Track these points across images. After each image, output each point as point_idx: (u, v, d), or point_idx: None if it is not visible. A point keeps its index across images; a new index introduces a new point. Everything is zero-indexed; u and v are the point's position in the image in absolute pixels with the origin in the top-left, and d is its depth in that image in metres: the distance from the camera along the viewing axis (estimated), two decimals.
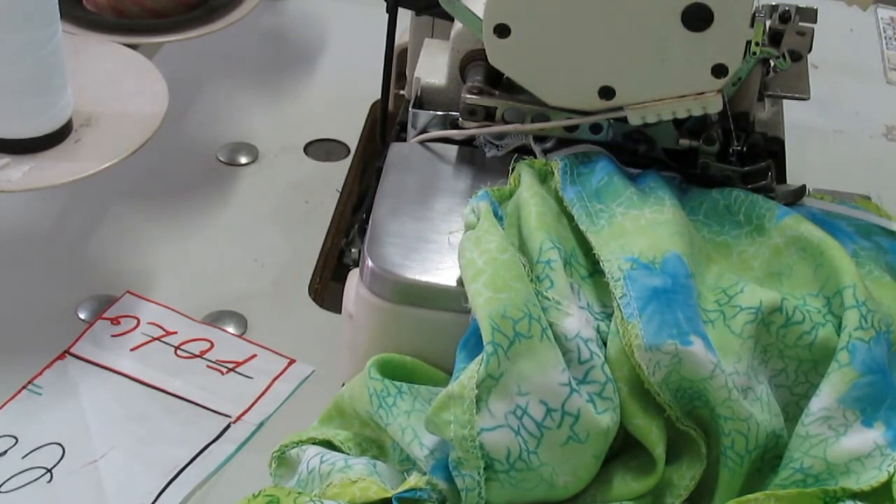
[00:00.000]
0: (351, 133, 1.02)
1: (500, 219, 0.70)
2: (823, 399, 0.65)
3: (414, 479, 0.64)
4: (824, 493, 0.63)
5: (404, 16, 0.85)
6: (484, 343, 0.63)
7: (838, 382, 0.65)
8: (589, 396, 0.64)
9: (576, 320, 0.65)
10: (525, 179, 0.72)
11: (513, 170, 0.74)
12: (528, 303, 0.64)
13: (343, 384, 0.72)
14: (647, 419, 0.65)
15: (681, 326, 0.64)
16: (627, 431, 0.66)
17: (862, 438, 0.64)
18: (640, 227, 0.69)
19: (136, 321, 0.82)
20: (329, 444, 0.69)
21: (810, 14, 0.80)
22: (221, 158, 0.98)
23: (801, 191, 0.77)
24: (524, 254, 0.68)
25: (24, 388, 0.77)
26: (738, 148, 0.77)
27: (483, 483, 0.63)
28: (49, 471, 0.72)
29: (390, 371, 0.69)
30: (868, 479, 0.64)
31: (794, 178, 0.81)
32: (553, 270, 0.66)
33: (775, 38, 0.76)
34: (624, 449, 0.68)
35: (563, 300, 0.65)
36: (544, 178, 0.73)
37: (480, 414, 0.63)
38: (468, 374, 0.63)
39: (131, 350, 0.80)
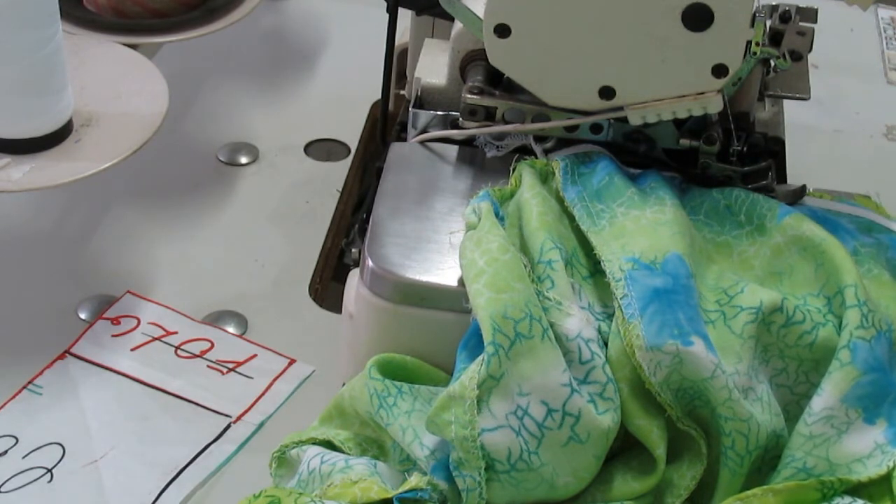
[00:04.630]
0: (351, 133, 1.02)
1: (501, 219, 0.70)
2: (826, 398, 0.65)
3: (415, 480, 0.64)
4: (821, 483, 0.63)
5: (404, 16, 0.85)
6: (485, 343, 0.63)
7: (840, 381, 0.65)
8: (590, 397, 0.64)
9: (577, 321, 0.65)
10: (526, 180, 0.72)
11: (513, 170, 0.74)
12: (530, 303, 0.64)
13: (343, 384, 0.72)
14: (647, 419, 0.65)
15: (682, 327, 0.64)
16: (628, 431, 0.66)
17: (864, 437, 0.64)
18: (641, 227, 0.69)
19: (136, 321, 0.82)
20: (329, 445, 0.69)
21: (811, 14, 0.80)
22: (221, 158, 0.98)
23: (801, 191, 0.77)
24: (525, 254, 0.68)
25: (24, 388, 0.77)
26: (739, 148, 0.77)
27: (484, 483, 0.63)
28: (49, 471, 0.72)
29: (391, 371, 0.69)
30: (868, 474, 0.64)
31: (794, 178, 0.81)
32: (554, 271, 0.66)
33: (776, 38, 0.76)
34: (624, 449, 0.68)
35: (564, 300, 0.65)
36: (545, 178, 0.73)
37: (481, 414, 0.63)
38: (469, 375, 0.63)
39: (132, 350, 0.80)
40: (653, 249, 0.68)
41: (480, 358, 0.63)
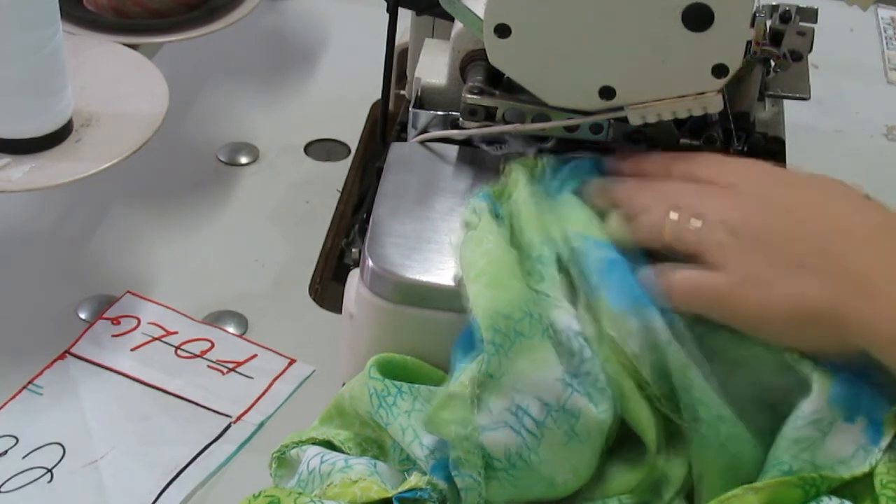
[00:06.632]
0: (351, 133, 1.02)
1: (500, 218, 0.70)
2: (814, 399, 0.64)
3: (414, 479, 0.64)
4: (802, 480, 0.63)
5: (404, 16, 0.85)
6: (484, 343, 0.63)
7: (821, 381, 0.64)
8: (587, 391, 0.64)
9: (566, 313, 0.65)
10: (517, 178, 0.72)
11: (504, 168, 0.74)
12: (528, 302, 0.64)
13: (343, 384, 0.72)
14: (637, 402, 0.65)
15: (642, 291, 0.65)
16: (625, 427, 0.66)
17: (845, 438, 0.64)
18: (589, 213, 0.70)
19: (136, 321, 0.82)
20: (329, 445, 0.69)
21: (811, 14, 0.80)
22: (222, 158, 0.98)
23: None
24: (520, 251, 0.68)
25: (24, 388, 0.77)
26: (739, 148, 0.77)
27: (483, 482, 0.63)
28: (49, 471, 0.72)
29: (391, 371, 0.69)
30: (852, 472, 0.64)
31: None
32: (545, 266, 0.66)
33: (776, 38, 0.76)
34: (622, 443, 0.68)
35: (552, 293, 0.66)
36: (535, 175, 0.74)
37: (480, 413, 0.63)
38: (467, 374, 0.63)
39: (132, 350, 0.80)
40: (601, 230, 0.68)
41: (479, 357, 0.63)
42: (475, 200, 0.70)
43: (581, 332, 0.65)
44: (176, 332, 0.82)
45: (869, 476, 0.63)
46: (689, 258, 0.65)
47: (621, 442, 0.68)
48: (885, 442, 0.64)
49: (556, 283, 0.66)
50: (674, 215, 0.66)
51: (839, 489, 0.64)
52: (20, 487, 0.71)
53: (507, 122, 0.76)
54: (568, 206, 0.70)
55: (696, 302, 0.64)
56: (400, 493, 0.63)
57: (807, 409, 0.64)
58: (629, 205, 0.68)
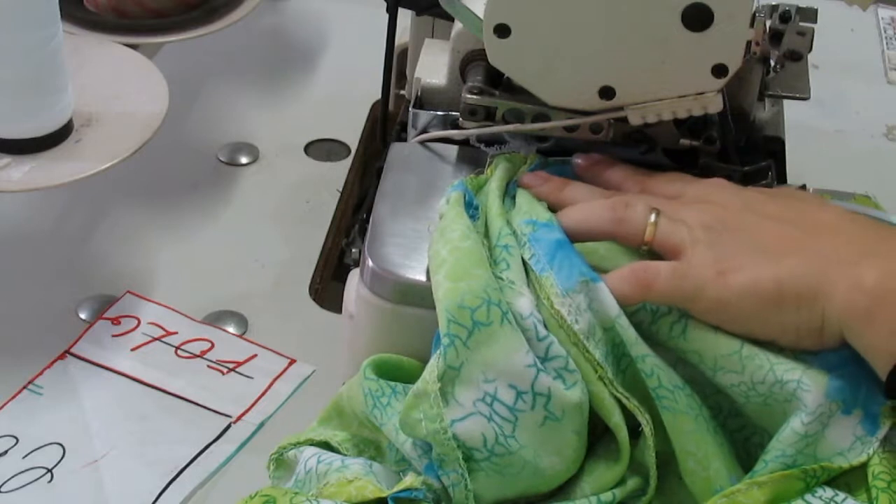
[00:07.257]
0: (351, 133, 1.02)
1: (475, 208, 0.70)
2: (815, 395, 0.64)
3: (409, 479, 0.64)
4: (804, 472, 0.63)
5: (404, 16, 0.85)
6: (441, 335, 0.63)
7: (817, 376, 0.64)
8: (556, 373, 0.64)
9: (528, 300, 0.65)
10: (497, 172, 0.73)
11: (490, 162, 0.74)
12: (488, 288, 0.64)
13: (343, 384, 0.72)
14: (597, 385, 0.65)
15: (589, 268, 0.65)
16: (601, 426, 0.66)
17: (843, 430, 0.64)
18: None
19: (136, 321, 0.82)
20: (327, 445, 0.69)
21: (810, 14, 0.80)
22: (222, 158, 0.98)
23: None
24: (488, 240, 0.68)
25: (24, 388, 0.77)
26: (739, 147, 0.77)
27: (467, 475, 0.63)
28: (49, 471, 0.72)
29: (386, 371, 0.69)
30: (849, 461, 0.64)
31: (794, 177, 0.81)
32: (511, 255, 0.67)
33: (776, 38, 0.76)
34: (604, 435, 0.68)
35: (516, 281, 0.66)
36: (518, 171, 0.74)
37: (448, 406, 0.63)
38: (429, 370, 0.64)
39: (132, 350, 0.80)
40: (547, 213, 0.69)
41: (439, 351, 0.64)
42: (449, 190, 0.71)
43: (543, 317, 0.65)
44: (176, 333, 0.82)
45: (865, 466, 0.64)
46: (666, 257, 0.67)
47: (605, 434, 0.68)
48: (881, 433, 0.64)
49: (521, 271, 0.67)
50: (654, 215, 0.67)
51: (836, 479, 0.64)
52: (20, 487, 0.71)
53: (507, 122, 0.76)
54: (520, 196, 0.71)
55: (679, 293, 0.65)
56: (395, 492, 0.63)
57: (812, 403, 0.64)
58: (614, 202, 0.69)
